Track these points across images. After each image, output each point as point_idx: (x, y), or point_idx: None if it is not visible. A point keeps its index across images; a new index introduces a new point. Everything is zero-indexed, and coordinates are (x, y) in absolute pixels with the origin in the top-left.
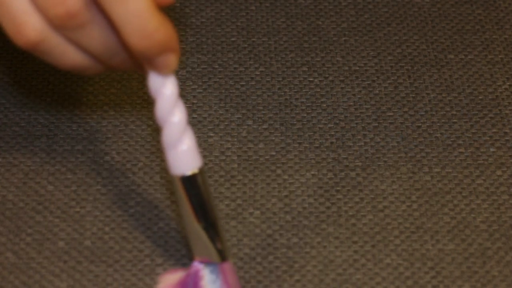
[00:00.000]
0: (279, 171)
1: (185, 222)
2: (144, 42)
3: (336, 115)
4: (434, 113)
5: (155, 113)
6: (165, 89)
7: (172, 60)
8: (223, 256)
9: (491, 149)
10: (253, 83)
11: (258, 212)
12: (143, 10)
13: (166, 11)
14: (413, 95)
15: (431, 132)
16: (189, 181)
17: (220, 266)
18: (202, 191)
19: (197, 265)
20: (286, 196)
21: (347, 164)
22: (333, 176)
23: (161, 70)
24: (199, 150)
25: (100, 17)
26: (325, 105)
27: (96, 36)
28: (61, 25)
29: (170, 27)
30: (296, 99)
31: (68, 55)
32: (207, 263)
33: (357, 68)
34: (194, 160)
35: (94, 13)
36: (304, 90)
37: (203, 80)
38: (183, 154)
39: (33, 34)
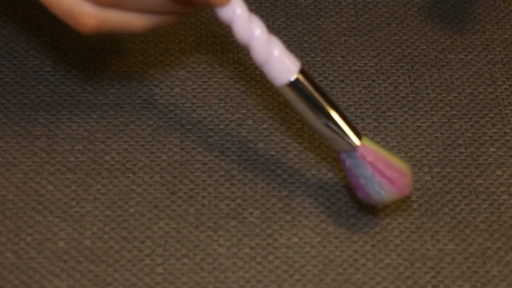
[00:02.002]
0: (279, 171)
1: (309, 124)
2: None
3: None
4: (434, 113)
5: (236, 38)
6: (235, 11)
7: None
8: (352, 142)
9: (491, 149)
10: (253, 83)
11: (258, 212)
12: None
13: None
14: (413, 95)
15: (431, 132)
16: (297, 85)
17: (356, 150)
18: (312, 89)
19: (340, 155)
20: (286, 196)
21: None
22: (333, 176)
23: (216, 3)
24: (290, 52)
25: None
26: None
27: None
28: (107, 3)
29: None
30: None
31: (134, 23)
32: (346, 152)
33: (357, 68)
34: (292, 64)
35: None
36: None
37: (203, 80)
38: (279, 62)
39: (92, 21)
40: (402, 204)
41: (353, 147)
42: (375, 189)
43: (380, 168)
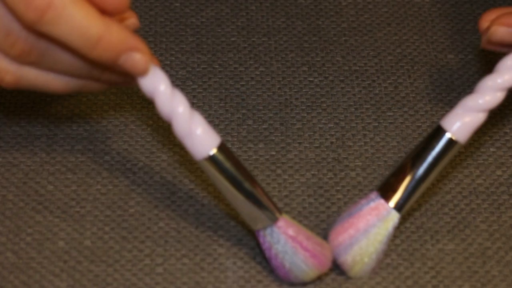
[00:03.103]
0: (279, 171)
1: (228, 199)
2: (95, 51)
3: (336, 115)
4: (434, 113)
5: (158, 111)
6: (158, 87)
7: (137, 58)
8: (273, 215)
9: (491, 149)
10: (253, 83)
11: None
12: (79, 23)
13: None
14: (413, 95)
15: None
16: (215, 160)
17: (277, 227)
18: (230, 164)
19: (259, 234)
20: (286, 196)
21: (347, 164)
22: (333, 176)
23: (133, 71)
24: (211, 127)
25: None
26: (325, 105)
27: (61, 59)
28: (24, 62)
29: (118, 29)
30: (296, 99)
31: (52, 83)
32: (265, 228)
33: (357, 68)
34: (212, 139)
35: (48, 42)
36: (304, 90)
37: (203, 80)
38: (200, 138)
39: (9, 77)
40: None
41: (273, 222)
42: (297, 264)
43: (302, 241)
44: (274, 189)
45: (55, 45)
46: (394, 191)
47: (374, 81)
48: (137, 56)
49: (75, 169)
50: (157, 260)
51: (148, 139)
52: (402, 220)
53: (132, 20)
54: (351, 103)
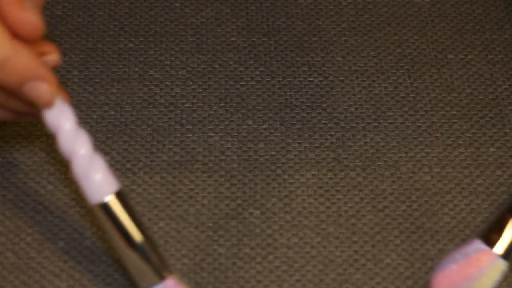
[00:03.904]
0: (279, 171)
1: (117, 251)
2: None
3: (336, 115)
4: (434, 113)
5: (59, 148)
6: (62, 123)
7: (43, 88)
8: (162, 274)
9: (491, 149)
10: (253, 83)
11: (258, 212)
12: None
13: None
14: (413, 95)
15: (431, 132)
16: (109, 207)
17: (164, 285)
18: (124, 214)
19: None
20: (286, 196)
21: (347, 164)
22: (333, 176)
23: (38, 101)
24: (113, 174)
25: None
26: (325, 105)
27: None
28: None
29: (28, 55)
30: (296, 99)
31: None
32: (152, 287)
33: (357, 68)
34: (110, 185)
35: None
36: (304, 90)
37: (203, 80)
38: (97, 182)
39: None
40: (402, 204)
41: (161, 280)
42: None
43: None
44: (274, 189)
45: None
46: (500, 238)
47: (374, 81)
48: (43, 86)
49: None
50: None
51: (148, 139)
52: (402, 220)
53: (54, 56)
54: (351, 103)
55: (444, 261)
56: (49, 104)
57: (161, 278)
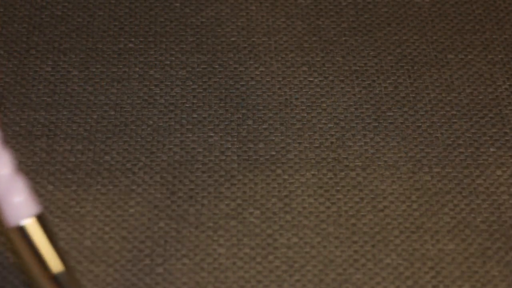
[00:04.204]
0: (279, 171)
1: (31, 279)
2: None
3: (336, 115)
4: (434, 113)
5: None
6: None
7: None
8: None
9: (491, 149)
10: (253, 83)
11: (258, 212)
12: None
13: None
14: (413, 95)
15: (431, 132)
16: (25, 231)
17: None
18: (44, 240)
19: None
20: (286, 196)
21: (347, 164)
22: (333, 176)
23: None
24: (34, 197)
25: None
26: (325, 105)
27: None
28: None
29: None
30: (296, 99)
31: None
32: None
33: (357, 68)
34: (29, 209)
35: None
36: (304, 90)
37: (203, 80)
38: (16, 205)
39: None
40: (402, 204)
41: None
42: None
43: None
44: (274, 189)
45: None
46: None
47: (374, 81)
48: None
49: (75, 169)
50: (157, 260)
51: (148, 139)
52: (402, 220)
53: None
54: (351, 103)
55: None
56: None
57: None
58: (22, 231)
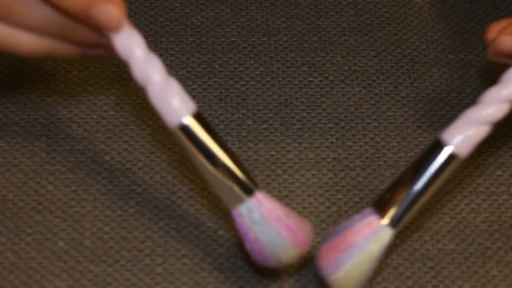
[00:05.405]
0: (279, 171)
1: (201, 172)
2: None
3: (336, 115)
4: (434, 113)
5: (133, 76)
6: (134, 49)
7: (110, 11)
8: (249, 189)
9: (491, 149)
10: (253, 83)
11: None
12: None
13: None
14: (413, 95)
15: (431, 132)
16: (188, 129)
17: (254, 200)
18: (204, 134)
19: (235, 212)
20: (286, 196)
21: (347, 164)
22: (333, 176)
23: (106, 24)
24: (188, 96)
25: None
26: (325, 105)
27: (30, 13)
28: None
29: None
30: (296, 99)
31: (20, 40)
32: (241, 203)
33: (357, 68)
34: (187, 106)
35: None
36: (304, 90)
37: (203, 80)
38: (174, 106)
39: None
40: None
41: (250, 195)
42: (275, 240)
43: (280, 216)
44: (274, 189)
45: None
46: (389, 207)
47: (374, 81)
48: (110, 8)
49: (75, 169)
50: (157, 260)
51: (148, 139)
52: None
53: None
54: (351, 103)
55: (332, 231)
56: (117, 27)
57: (250, 193)
58: (185, 130)
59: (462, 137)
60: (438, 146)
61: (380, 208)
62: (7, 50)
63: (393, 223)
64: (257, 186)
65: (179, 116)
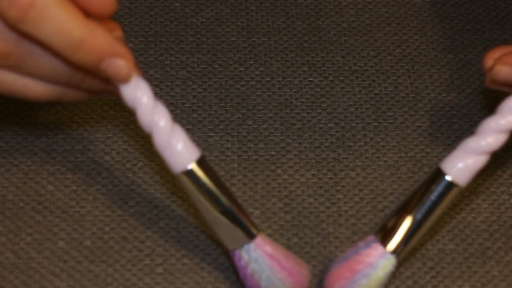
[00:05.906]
0: (279, 171)
1: (204, 216)
2: (77, 54)
3: (336, 115)
4: (434, 113)
5: (139, 122)
6: (140, 97)
7: (120, 64)
8: (251, 233)
9: None
10: (253, 83)
11: (258, 212)
12: (62, 24)
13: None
14: (413, 95)
15: (431, 132)
16: (192, 174)
17: (254, 243)
18: (208, 179)
19: (234, 254)
20: (286, 196)
21: (347, 164)
22: (333, 176)
23: (115, 77)
24: (192, 142)
25: (37, 45)
26: (325, 105)
27: (41, 64)
28: (3, 65)
29: (102, 33)
30: (296, 99)
31: (31, 88)
32: (242, 246)
33: (357, 68)
34: (191, 153)
35: (29, 45)
36: (304, 90)
37: (203, 80)
38: (179, 152)
39: None
40: None
41: (251, 239)
42: (274, 283)
43: (280, 259)
44: (274, 189)
45: (36, 48)
46: (392, 235)
47: (374, 81)
48: (120, 62)
49: (75, 169)
50: (157, 260)
51: (148, 139)
52: None
53: (117, 32)
54: (351, 103)
55: (338, 258)
56: (126, 80)
57: (251, 237)
58: (189, 175)
59: (461, 166)
60: (438, 175)
61: (384, 236)
62: (18, 96)
63: (397, 250)
64: (257, 230)
65: (184, 162)
